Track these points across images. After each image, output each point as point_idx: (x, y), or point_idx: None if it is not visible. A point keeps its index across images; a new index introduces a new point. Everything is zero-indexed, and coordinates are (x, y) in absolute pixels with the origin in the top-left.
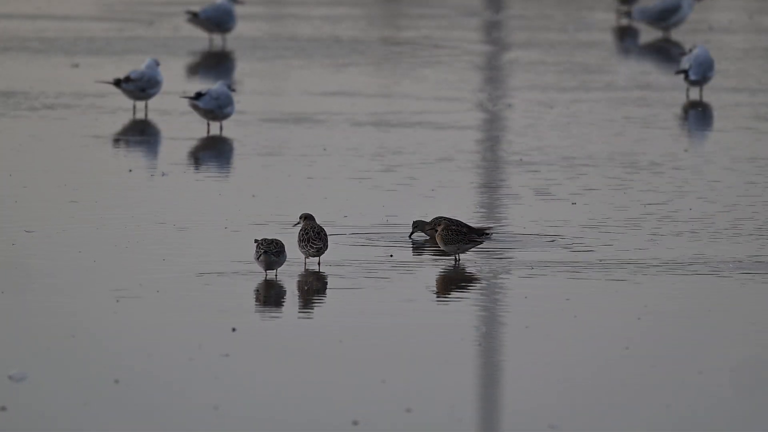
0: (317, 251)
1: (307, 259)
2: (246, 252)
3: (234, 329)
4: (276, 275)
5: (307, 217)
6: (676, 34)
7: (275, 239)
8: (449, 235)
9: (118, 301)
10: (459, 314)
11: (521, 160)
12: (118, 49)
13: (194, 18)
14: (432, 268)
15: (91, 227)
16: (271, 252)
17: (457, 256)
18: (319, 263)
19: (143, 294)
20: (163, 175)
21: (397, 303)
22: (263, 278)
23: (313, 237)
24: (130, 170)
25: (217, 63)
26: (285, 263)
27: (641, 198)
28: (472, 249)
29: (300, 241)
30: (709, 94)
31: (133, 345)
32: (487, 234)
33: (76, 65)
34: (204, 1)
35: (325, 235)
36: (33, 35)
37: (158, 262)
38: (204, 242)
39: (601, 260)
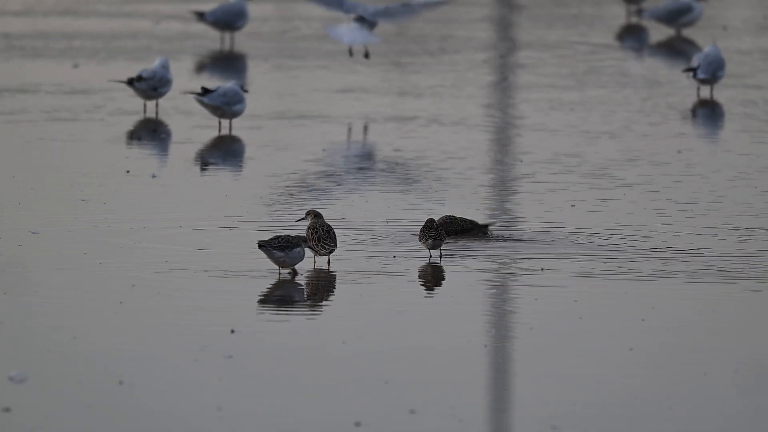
0: (329, 252)
1: (316, 257)
2: (251, 252)
3: (233, 331)
4: (290, 274)
5: (316, 215)
6: (687, 33)
7: (287, 235)
8: (421, 232)
9: (121, 302)
10: (465, 315)
11: (521, 160)
12: (122, 49)
13: (201, 18)
14: (438, 268)
15: (97, 228)
16: (272, 247)
17: (431, 252)
18: (329, 262)
19: (146, 295)
20: (154, 177)
21: (402, 303)
22: (267, 278)
23: (324, 236)
24: (128, 171)
25: (227, 62)
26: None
27: (648, 198)
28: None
29: (310, 239)
30: (718, 93)
31: (137, 346)
32: (488, 232)
33: (76, 65)
34: None
35: (335, 233)
36: (33, 34)
37: (162, 263)
38: (209, 243)
39: (609, 261)
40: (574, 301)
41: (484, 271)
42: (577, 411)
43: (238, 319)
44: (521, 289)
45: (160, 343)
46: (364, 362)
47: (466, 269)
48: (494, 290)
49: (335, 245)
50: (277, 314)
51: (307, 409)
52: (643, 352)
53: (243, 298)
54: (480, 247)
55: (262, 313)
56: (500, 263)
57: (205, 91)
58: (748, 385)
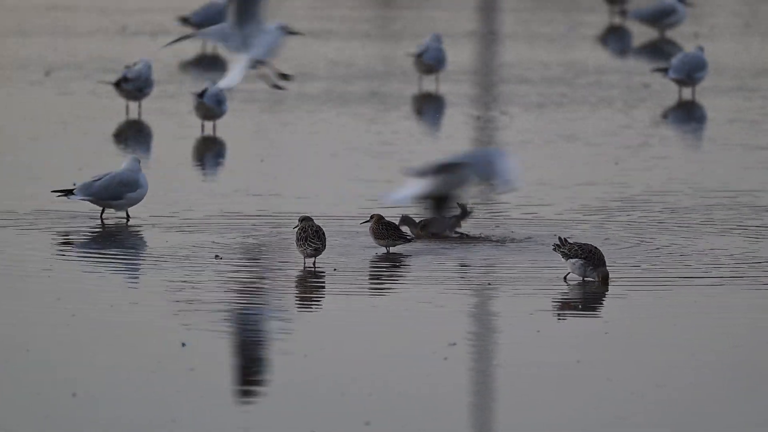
0: (315, 251)
1: (306, 259)
2: (209, 264)
3: (184, 344)
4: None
5: (305, 219)
6: (671, 34)
7: (576, 242)
8: (380, 230)
9: (73, 315)
10: (427, 327)
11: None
12: (100, 51)
13: (186, 22)
14: (401, 278)
15: (51, 238)
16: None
17: (388, 249)
18: (314, 264)
19: (100, 308)
20: (74, 186)
21: (364, 315)
22: (226, 290)
23: (311, 236)
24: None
25: (211, 63)
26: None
27: (616, 209)
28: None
29: (298, 239)
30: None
31: (90, 359)
32: (465, 234)
33: (48, 74)
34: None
35: (324, 234)
36: (10, 38)
37: (117, 276)
38: (167, 253)
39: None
40: (530, 314)
41: (446, 280)
42: (527, 423)
43: (196, 332)
44: (485, 301)
45: (115, 355)
46: (322, 375)
47: (430, 279)
48: (460, 301)
49: (323, 246)
50: (235, 327)
51: (260, 422)
52: (594, 363)
53: (202, 309)
54: (446, 253)
55: (220, 326)
56: (471, 273)
57: (203, 93)
58: (705, 396)
